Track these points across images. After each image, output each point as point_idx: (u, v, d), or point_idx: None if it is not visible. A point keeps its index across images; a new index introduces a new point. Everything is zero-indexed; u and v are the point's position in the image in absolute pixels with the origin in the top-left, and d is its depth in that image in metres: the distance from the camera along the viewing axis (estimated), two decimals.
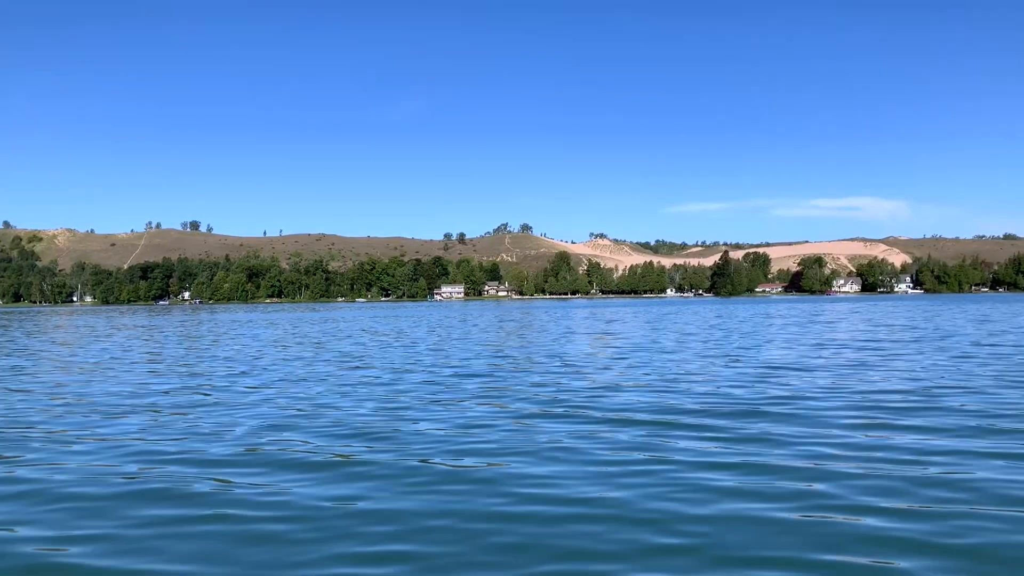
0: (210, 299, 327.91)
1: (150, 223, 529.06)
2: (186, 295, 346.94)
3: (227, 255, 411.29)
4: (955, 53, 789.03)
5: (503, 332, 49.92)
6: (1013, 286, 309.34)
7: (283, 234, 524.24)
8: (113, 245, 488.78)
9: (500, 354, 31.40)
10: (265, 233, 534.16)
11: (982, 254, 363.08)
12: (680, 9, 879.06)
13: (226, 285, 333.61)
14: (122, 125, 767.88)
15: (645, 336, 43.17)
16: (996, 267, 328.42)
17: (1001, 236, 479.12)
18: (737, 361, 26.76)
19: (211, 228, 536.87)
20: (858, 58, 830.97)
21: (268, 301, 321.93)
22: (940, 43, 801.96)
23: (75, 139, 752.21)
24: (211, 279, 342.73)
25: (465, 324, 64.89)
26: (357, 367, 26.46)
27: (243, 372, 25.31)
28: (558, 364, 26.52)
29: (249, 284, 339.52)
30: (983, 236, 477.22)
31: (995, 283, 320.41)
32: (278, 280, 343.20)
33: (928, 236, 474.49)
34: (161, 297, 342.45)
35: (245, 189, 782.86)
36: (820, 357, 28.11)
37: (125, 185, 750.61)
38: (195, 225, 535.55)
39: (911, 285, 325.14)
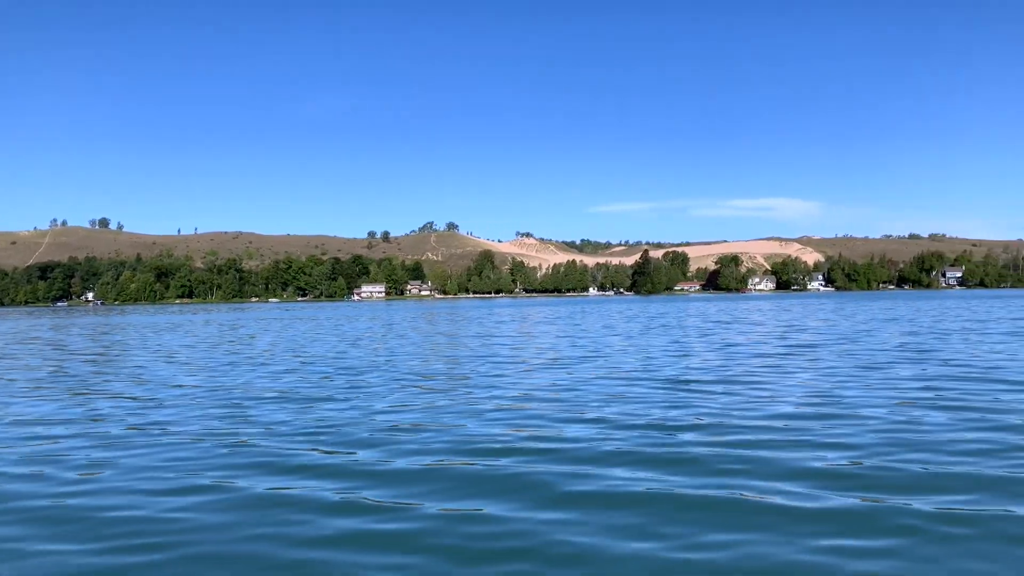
0: (115, 300, 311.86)
1: (55, 220, 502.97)
2: (90, 296, 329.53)
3: (138, 254, 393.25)
4: (862, 57, 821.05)
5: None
6: (917, 283, 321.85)
7: (198, 232, 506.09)
8: (14, 243, 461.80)
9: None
10: (179, 231, 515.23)
11: (889, 253, 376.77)
12: (602, 10, 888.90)
13: (132, 285, 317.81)
14: (25, 117, 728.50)
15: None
16: (902, 265, 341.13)
17: (906, 236, 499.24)
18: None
19: (122, 226, 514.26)
20: (773, 65, 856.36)
21: (178, 302, 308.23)
22: (849, 49, 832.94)
23: None
24: (117, 279, 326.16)
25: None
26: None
27: None
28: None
29: (158, 284, 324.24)
30: (890, 236, 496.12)
31: (901, 281, 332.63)
32: (188, 280, 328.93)
33: (840, 236, 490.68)
34: (61, 298, 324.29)
35: (158, 186, 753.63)
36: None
37: (28, 180, 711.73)
38: (104, 223, 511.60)
39: (823, 283, 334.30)
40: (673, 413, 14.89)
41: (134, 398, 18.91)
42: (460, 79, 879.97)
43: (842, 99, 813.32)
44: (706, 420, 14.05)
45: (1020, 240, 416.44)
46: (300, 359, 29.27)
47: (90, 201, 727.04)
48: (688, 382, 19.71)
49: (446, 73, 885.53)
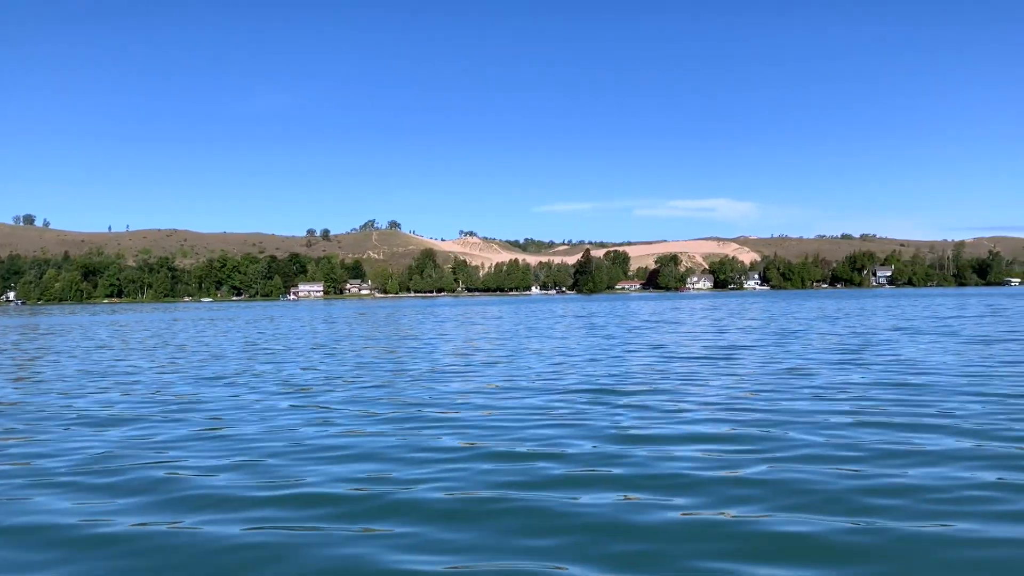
0: (39, 300, 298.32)
1: None
2: (11, 295, 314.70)
3: (66, 252, 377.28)
4: (796, 61, 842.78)
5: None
6: (849, 282, 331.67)
7: (131, 229, 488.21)
8: None
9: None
10: (110, 228, 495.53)
11: (822, 252, 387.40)
12: (540, 11, 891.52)
13: (57, 284, 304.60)
14: None
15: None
16: (835, 265, 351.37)
17: (839, 236, 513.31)
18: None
19: (48, 223, 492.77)
20: (710, 68, 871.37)
21: (107, 301, 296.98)
22: (783, 51, 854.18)
23: None
24: (40, 278, 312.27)
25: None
26: None
27: None
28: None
29: (85, 283, 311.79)
30: (823, 236, 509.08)
31: (833, 279, 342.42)
32: (118, 279, 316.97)
33: (775, 236, 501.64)
34: None
35: (88, 181, 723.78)
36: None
37: None
38: (29, 219, 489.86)
39: (759, 282, 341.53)
40: (547, 432, 13.42)
41: None
42: (402, 76, 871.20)
43: (774, 104, 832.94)
44: (578, 441, 12.61)
45: (945, 240, 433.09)
46: (159, 369, 26.96)
47: (13, 196, 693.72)
48: (581, 391, 18.34)
49: (388, 69, 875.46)
